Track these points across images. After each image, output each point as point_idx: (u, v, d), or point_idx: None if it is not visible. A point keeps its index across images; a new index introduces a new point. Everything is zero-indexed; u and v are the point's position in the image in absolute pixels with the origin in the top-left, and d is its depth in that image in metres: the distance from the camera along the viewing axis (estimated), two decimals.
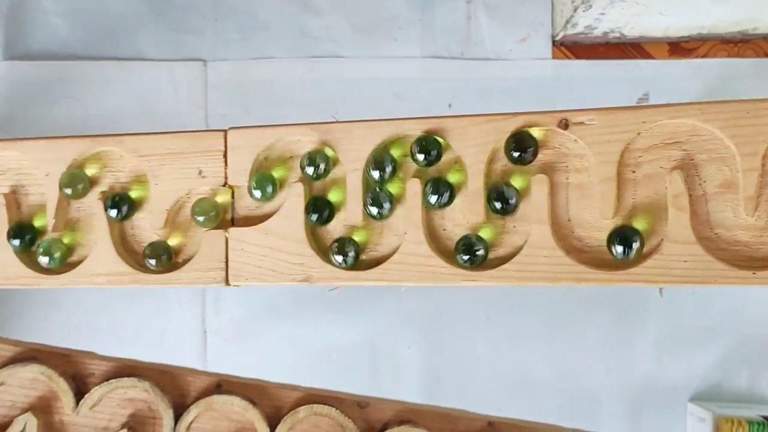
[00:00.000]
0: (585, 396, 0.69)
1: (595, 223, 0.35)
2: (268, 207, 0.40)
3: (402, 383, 0.69)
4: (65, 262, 0.41)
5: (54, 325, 0.70)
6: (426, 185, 0.37)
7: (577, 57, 0.71)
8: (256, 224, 0.40)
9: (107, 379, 0.48)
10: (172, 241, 0.41)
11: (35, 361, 0.48)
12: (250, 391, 0.49)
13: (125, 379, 0.48)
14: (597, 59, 0.71)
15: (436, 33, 0.71)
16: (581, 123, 0.35)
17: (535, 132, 0.36)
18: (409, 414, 0.50)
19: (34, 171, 0.43)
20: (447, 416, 0.49)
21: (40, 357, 0.49)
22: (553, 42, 0.71)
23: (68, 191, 0.41)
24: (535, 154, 0.35)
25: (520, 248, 0.36)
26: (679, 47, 0.71)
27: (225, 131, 0.40)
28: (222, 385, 0.50)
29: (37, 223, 0.42)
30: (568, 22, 0.66)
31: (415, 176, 0.38)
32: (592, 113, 0.35)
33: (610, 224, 0.35)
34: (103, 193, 0.42)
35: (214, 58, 0.71)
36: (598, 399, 0.69)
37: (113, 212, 0.41)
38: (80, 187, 0.41)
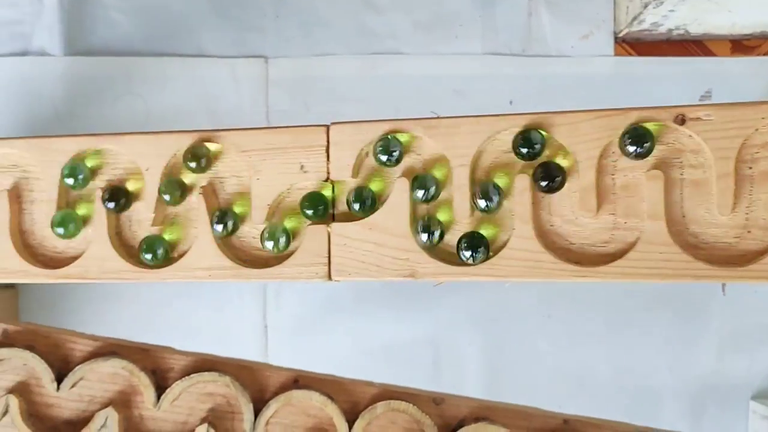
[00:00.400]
0: (647, 394, 0.69)
1: (711, 219, 0.35)
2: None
3: (463, 381, 0.69)
4: (168, 258, 0.42)
5: (115, 320, 0.70)
6: (535, 174, 0.37)
7: (639, 54, 0.71)
8: (358, 219, 0.40)
9: (186, 374, 0.48)
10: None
11: (116, 356, 0.48)
12: (327, 386, 0.49)
13: (206, 373, 0.48)
14: (659, 56, 0.71)
15: (497, 29, 0.71)
16: (698, 118, 0.35)
17: (650, 127, 0.36)
18: (484, 411, 0.49)
19: (131, 165, 0.43)
20: (522, 413, 0.49)
21: (120, 352, 0.49)
22: (615, 39, 0.71)
23: (166, 196, 0.41)
24: (651, 150, 0.35)
25: (633, 244, 0.36)
26: (742, 45, 0.71)
27: (327, 126, 0.40)
28: (299, 381, 0.50)
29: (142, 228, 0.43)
30: (635, 18, 0.65)
31: (522, 172, 0.38)
32: (709, 108, 0.35)
33: (727, 221, 0.35)
34: (203, 188, 0.42)
35: (275, 54, 0.71)
36: (660, 397, 0.69)
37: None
38: (178, 193, 0.41)
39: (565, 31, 0.71)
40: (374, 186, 0.39)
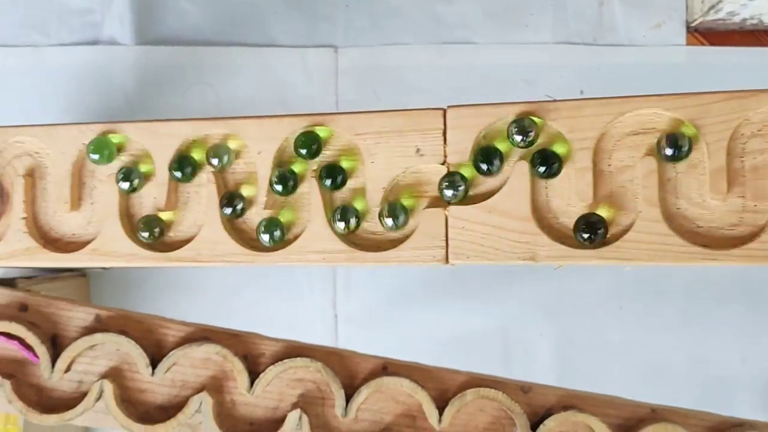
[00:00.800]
0: (719, 385, 0.69)
1: None
2: (488, 185, 0.40)
3: (533, 372, 0.69)
4: (283, 240, 0.42)
5: (186, 309, 0.71)
6: (661, 151, 0.36)
7: (712, 44, 0.70)
8: (475, 202, 0.40)
9: (277, 360, 0.48)
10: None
11: (208, 341, 0.48)
12: (415, 373, 0.49)
13: (298, 359, 0.48)
14: (732, 46, 0.70)
15: (568, 19, 0.70)
16: None
17: None
18: (572, 399, 0.49)
19: (241, 149, 0.43)
20: (610, 402, 0.48)
21: (212, 337, 0.49)
22: (687, 28, 0.70)
23: (278, 187, 0.41)
24: None
25: (763, 228, 0.36)
26: None
27: (444, 109, 0.40)
28: (388, 368, 0.50)
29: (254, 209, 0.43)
30: (712, 7, 0.65)
31: (647, 154, 0.38)
32: None
33: None
34: (315, 171, 0.42)
35: (345, 44, 0.71)
36: (733, 388, 0.68)
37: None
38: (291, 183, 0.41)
39: (636, 20, 0.71)
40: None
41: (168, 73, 0.71)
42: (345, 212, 0.41)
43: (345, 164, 0.42)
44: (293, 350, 0.49)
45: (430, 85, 0.70)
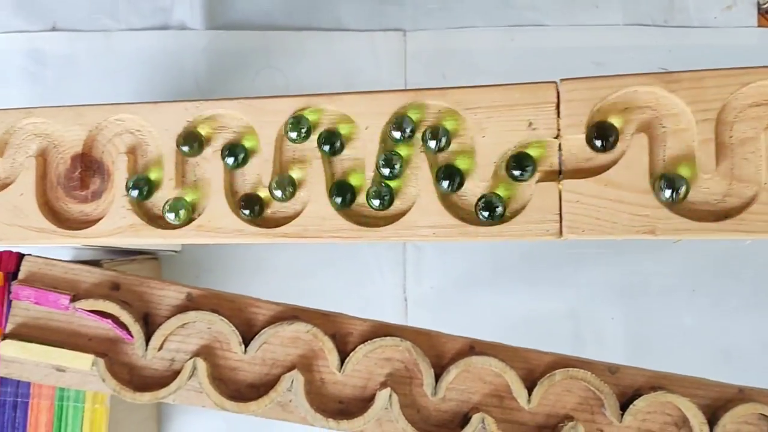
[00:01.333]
0: None
1: None
2: (602, 158, 0.40)
3: (605, 354, 0.68)
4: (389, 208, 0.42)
5: (256, 292, 0.71)
6: None
7: None
8: (590, 176, 0.39)
9: (365, 339, 0.48)
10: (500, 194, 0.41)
11: (299, 320, 0.48)
12: (502, 353, 0.49)
13: (388, 338, 0.48)
14: None
15: (639, 0, 0.70)
16: None
17: None
18: (660, 380, 0.49)
19: (346, 125, 0.43)
20: (698, 382, 0.48)
21: (301, 316, 0.49)
22: (759, 9, 0.70)
23: (385, 170, 0.41)
24: None
25: None
26: None
27: (556, 83, 0.40)
28: (475, 347, 0.50)
29: (355, 181, 0.43)
30: None
31: None
32: None
33: None
34: (425, 145, 0.42)
35: (414, 27, 0.71)
36: None
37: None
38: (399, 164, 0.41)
39: (707, 1, 0.70)
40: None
41: (237, 58, 0.71)
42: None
43: (455, 140, 0.42)
44: (381, 330, 0.49)
45: (498, 69, 0.70)
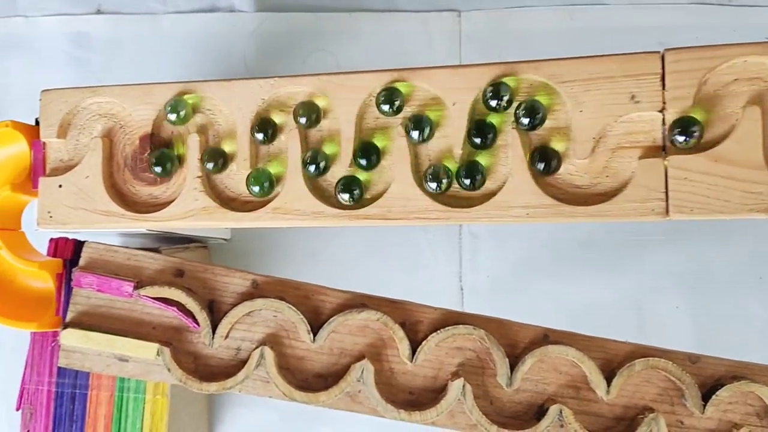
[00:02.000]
0: None
1: None
2: (712, 132, 0.37)
3: (670, 345, 0.66)
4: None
5: (308, 279, 0.69)
6: None
7: None
8: (697, 151, 0.37)
9: (435, 328, 0.46)
10: (594, 170, 0.39)
11: (367, 308, 0.46)
12: (578, 342, 0.47)
13: (461, 326, 0.46)
14: None
15: None
16: None
17: None
18: (742, 369, 0.47)
19: (431, 101, 0.41)
20: None
21: (369, 304, 0.47)
22: None
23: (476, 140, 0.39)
24: None
25: None
26: None
27: (661, 53, 0.38)
28: (549, 336, 0.48)
29: (449, 164, 0.41)
30: None
31: None
32: None
33: None
34: (517, 122, 0.40)
35: (468, 7, 0.69)
36: None
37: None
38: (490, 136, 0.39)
39: None
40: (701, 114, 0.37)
41: (287, 40, 0.69)
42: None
43: (549, 117, 0.39)
44: (452, 318, 0.48)
45: (558, 50, 0.67)
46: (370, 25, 0.69)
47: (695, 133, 0.36)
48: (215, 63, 0.69)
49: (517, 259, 0.68)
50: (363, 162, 0.40)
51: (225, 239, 0.69)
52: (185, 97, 0.44)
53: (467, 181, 0.39)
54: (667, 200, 0.37)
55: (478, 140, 0.39)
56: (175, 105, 0.43)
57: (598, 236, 0.68)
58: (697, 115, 0.36)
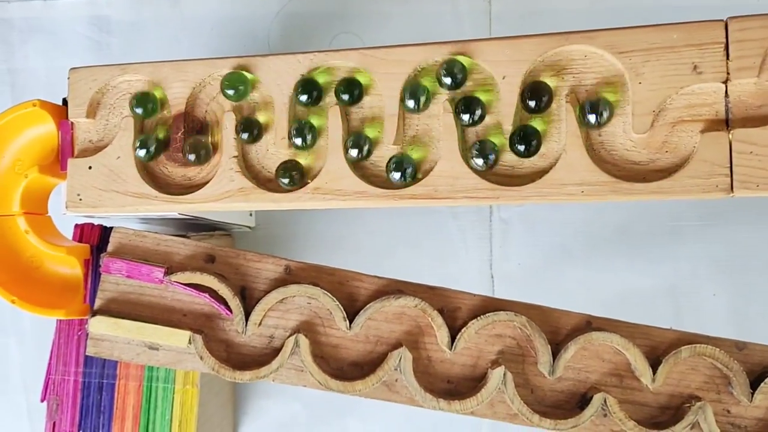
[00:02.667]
0: None
1: None
2: None
3: (707, 333, 0.64)
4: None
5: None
6: None
7: None
8: (762, 124, 0.35)
9: (474, 314, 0.45)
10: (653, 146, 0.37)
11: (404, 295, 0.45)
12: (622, 329, 0.46)
13: (502, 313, 0.45)
14: None
15: None
16: None
17: None
18: None
19: (480, 75, 0.39)
20: None
21: (406, 290, 0.46)
22: None
23: (531, 103, 0.37)
24: None
25: None
26: None
27: (725, 21, 0.36)
28: (592, 323, 0.46)
29: (496, 140, 0.39)
30: None
31: None
32: None
33: None
34: (569, 96, 0.38)
35: None
36: None
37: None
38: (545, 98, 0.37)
39: None
40: None
41: (312, 22, 0.68)
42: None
43: (607, 90, 0.38)
44: (491, 305, 0.46)
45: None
46: (396, 7, 0.67)
47: None
48: (238, 46, 0.67)
49: (549, 245, 0.67)
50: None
51: (249, 227, 0.67)
52: (220, 74, 0.42)
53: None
54: (731, 176, 0.35)
55: (532, 103, 0.37)
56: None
57: (632, 222, 0.66)
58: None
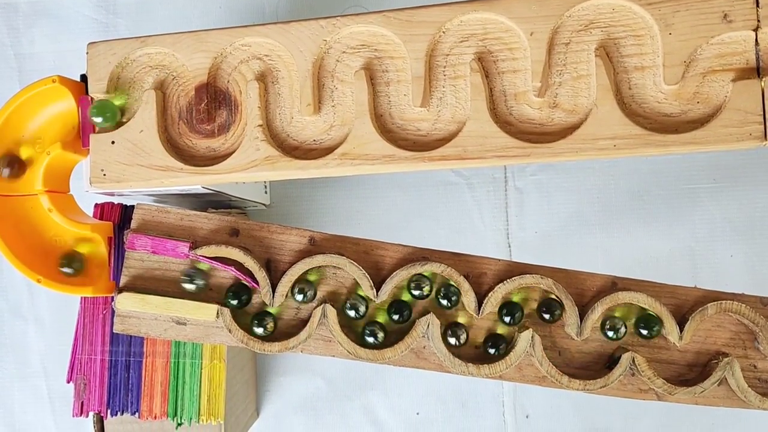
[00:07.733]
0: None
1: None
2: None
3: None
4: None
5: None
6: None
7: None
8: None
9: (500, 279, 0.45)
10: (684, 97, 0.37)
11: (430, 261, 0.45)
12: (647, 289, 0.46)
13: (528, 276, 0.45)
14: None
15: None
16: None
17: None
18: None
19: (504, 34, 0.39)
20: None
21: (431, 257, 0.46)
22: None
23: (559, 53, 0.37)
24: None
25: None
26: None
27: None
28: (617, 284, 0.46)
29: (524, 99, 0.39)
30: None
31: None
32: None
33: None
34: (598, 50, 0.38)
35: None
36: None
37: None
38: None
39: None
40: None
41: None
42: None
43: (631, 41, 0.37)
44: (517, 269, 0.46)
45: None
46: None
47: None
48: (247, 22, 0.67)
49: (565, 213, 0.67)
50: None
51: (265, 204, 0.67)
52: (241, 43, 0.42)
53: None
54: (765, 123, 0.35)
55: (561, 69, 0.37)
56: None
57: (648, 186, 0.66)
58: None
